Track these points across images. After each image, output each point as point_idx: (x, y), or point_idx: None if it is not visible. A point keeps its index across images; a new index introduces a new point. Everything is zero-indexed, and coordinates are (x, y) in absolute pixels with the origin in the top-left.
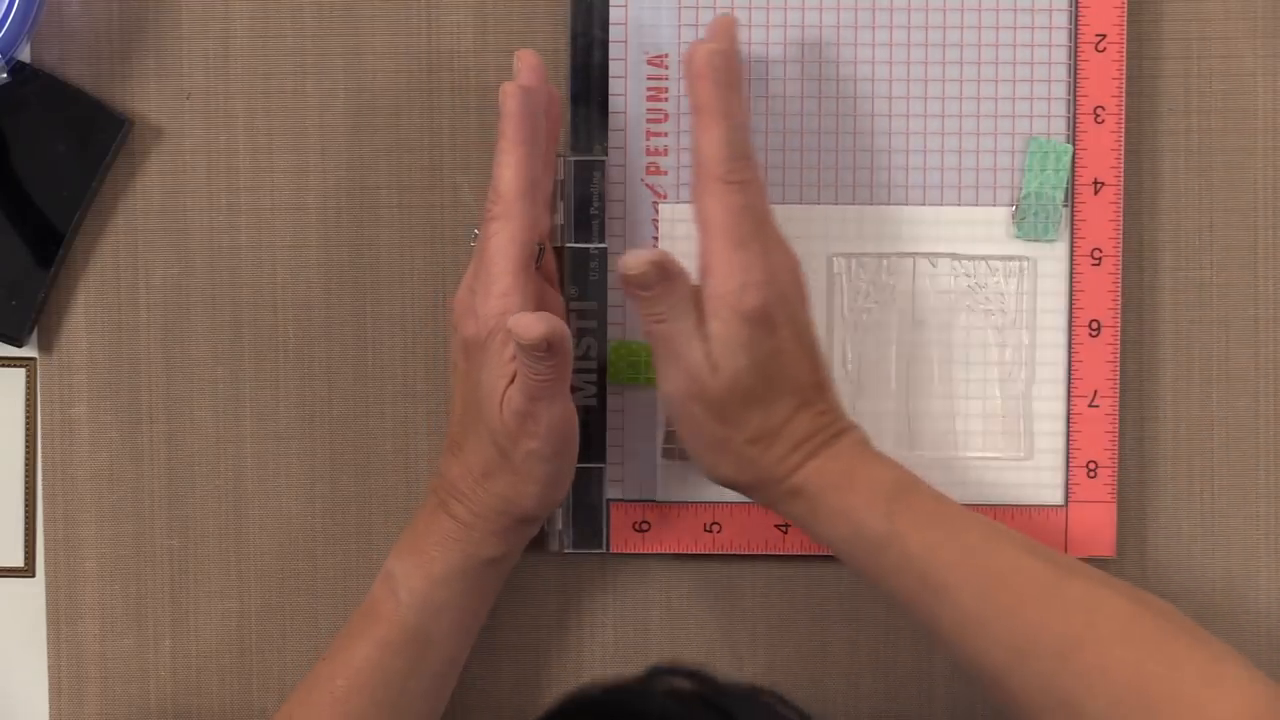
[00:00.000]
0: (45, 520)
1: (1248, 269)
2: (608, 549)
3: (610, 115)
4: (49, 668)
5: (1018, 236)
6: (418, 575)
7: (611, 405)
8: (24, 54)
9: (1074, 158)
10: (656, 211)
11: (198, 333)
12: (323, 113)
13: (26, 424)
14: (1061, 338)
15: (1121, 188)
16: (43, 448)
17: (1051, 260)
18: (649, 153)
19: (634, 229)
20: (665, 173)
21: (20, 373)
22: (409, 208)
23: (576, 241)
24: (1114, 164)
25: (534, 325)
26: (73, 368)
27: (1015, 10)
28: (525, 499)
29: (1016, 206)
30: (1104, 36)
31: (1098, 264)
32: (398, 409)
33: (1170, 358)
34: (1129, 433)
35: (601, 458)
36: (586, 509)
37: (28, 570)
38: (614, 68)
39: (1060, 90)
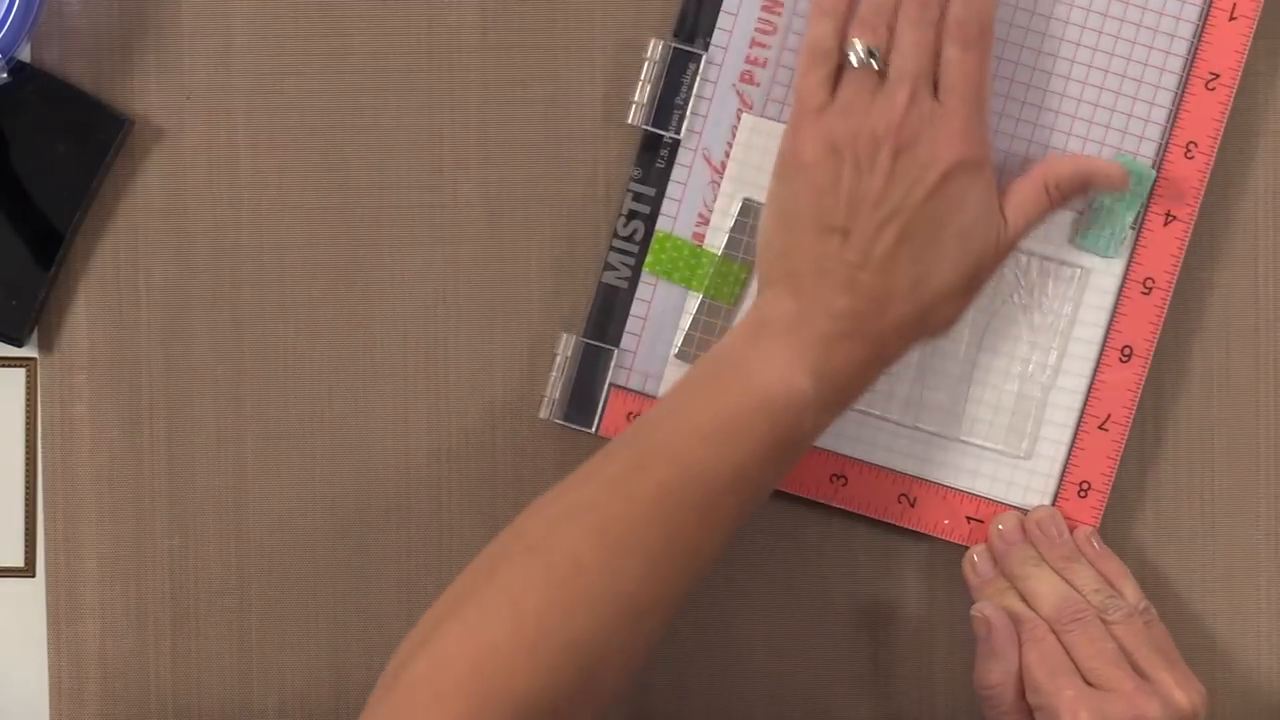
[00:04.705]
0: (45, 520)
1: (1248, 271)
2: (597, 432)
3: (721, 14)
4: (49, 668)
5: (1078, 245)
6: (831, 390)
7: (640, 293)
8: (24, 54)
9: (1154, 185)
10: (738, 119)
11: (198, 333)
12: (322, 112)
13: (26, 424)
14: (1092, 354)
15: (1191, 226)
16: (43, 448)
17: (1104, 276)
18: (748, 60)
19: (713, 130)
20: (758, 84)
21: (20, 373)
22: (409, 207)
23: (655, 126)
24: (1191, 201)
25: None
26: (73, 368)
27: (1139, 26)
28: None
29: (1084, 215)
30: (1217, 76)
31: (1147, 293)
32: (398, 409)
33: (1171, 359)
34: (1129, 432)
35: (616, 342)
36: (585, 386)
37: (28, 570)
38: None
39: (1159, 116)
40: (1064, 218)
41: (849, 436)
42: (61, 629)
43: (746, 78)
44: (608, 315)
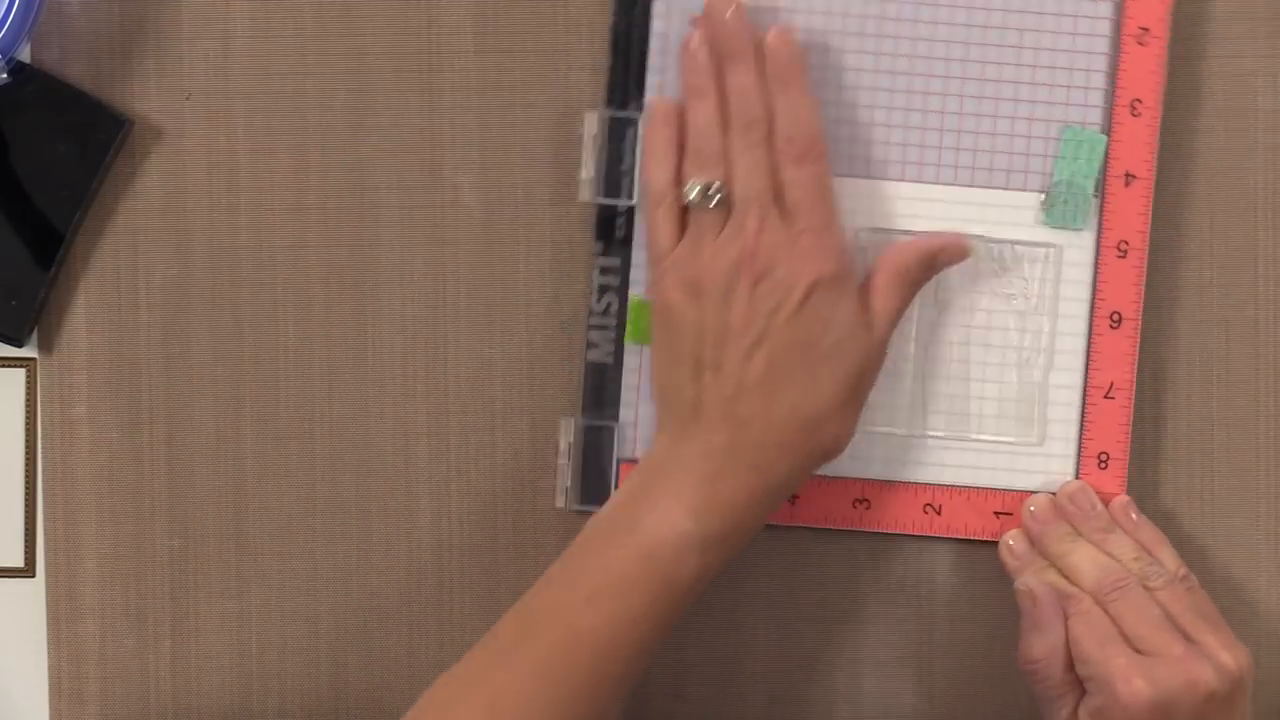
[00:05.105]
0: (45, 520)
1: (1248, 269)
2: None
3: (648, 74)
4: (49, 668)
5: (1045, 223)
6: (717, 528)
7: (628, 364)
8: (24, 54)
9: (1107, 149)
10: None
11: (198, 333)
12: (323, 113)
13: (26, 424)
14: (1082, 327)
15: (1153, 182)
16: (43, 448)
17: (1077, 249)
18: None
19: None
20: None
21: (20, 373)
22: (409, 208)
23: (605, 197)
24: (1147, 158)
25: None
26: (73, 368)
27: None
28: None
29: (1046, 193)
30: (1147, 30)
31: (1123, 256)
32: (398, 410)
33: (1170, 358)
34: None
35: (614, 416)
36: (595, 466)
37: (28, 570)
38: (656, 25)
39: (1099, 81)
40: (1027, 200)
41: (863, 458)
42: (61, 629)
43: None
44: (600, 392)
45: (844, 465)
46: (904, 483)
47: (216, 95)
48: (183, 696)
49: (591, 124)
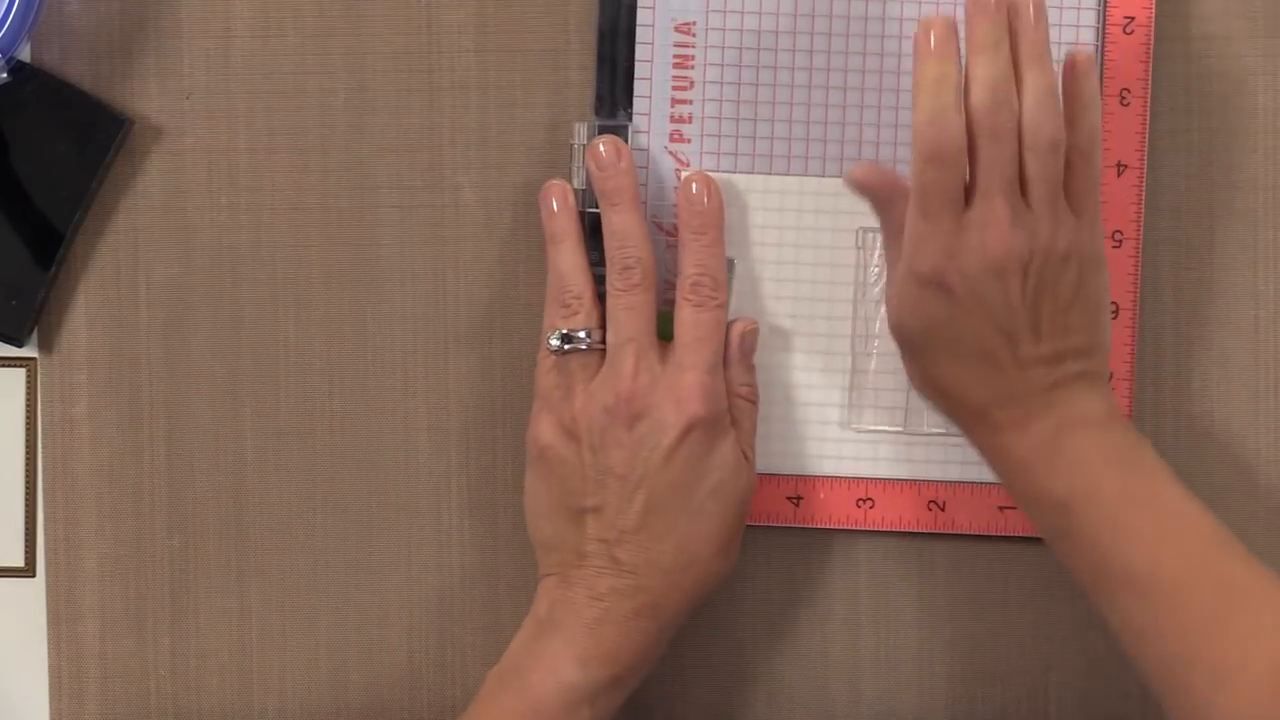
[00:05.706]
0: (45, 520)
1: (1248, 269)
2: None
3: (636, 81)
4: (49, 668)
5: None
6: (608, 674)
7: None
8: (24, 54)
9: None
10: (679, 179)
11: (198, 332)
12: (323, 113)
13: (26, 424)
14: None
15: (1144, 171)
16: (43, 448)
17: None
18: (673, 120)
19: (656, 196)
20: (689, 140)
21: (20, 373)
22: (409, 208)
23: (596, 207)
24: (1138, 147)
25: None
26: (73, 367)
27: None
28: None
29: None
30: (1132, 19)
31: (1118, 246)
32: (398, 408)
33: (1170, 357)
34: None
35: None
36: None
37: (28, 570)
38: (641, 34)
39: None
40: None
41: (869, 458)
42: (61, 629)
43: (676, 137)
44: None
45: (847, 466)
46: (908, 480)
47: (216, 94)
48: (182, 695)
49: (581, 134)
